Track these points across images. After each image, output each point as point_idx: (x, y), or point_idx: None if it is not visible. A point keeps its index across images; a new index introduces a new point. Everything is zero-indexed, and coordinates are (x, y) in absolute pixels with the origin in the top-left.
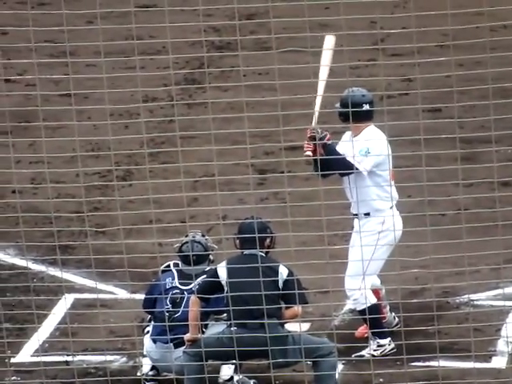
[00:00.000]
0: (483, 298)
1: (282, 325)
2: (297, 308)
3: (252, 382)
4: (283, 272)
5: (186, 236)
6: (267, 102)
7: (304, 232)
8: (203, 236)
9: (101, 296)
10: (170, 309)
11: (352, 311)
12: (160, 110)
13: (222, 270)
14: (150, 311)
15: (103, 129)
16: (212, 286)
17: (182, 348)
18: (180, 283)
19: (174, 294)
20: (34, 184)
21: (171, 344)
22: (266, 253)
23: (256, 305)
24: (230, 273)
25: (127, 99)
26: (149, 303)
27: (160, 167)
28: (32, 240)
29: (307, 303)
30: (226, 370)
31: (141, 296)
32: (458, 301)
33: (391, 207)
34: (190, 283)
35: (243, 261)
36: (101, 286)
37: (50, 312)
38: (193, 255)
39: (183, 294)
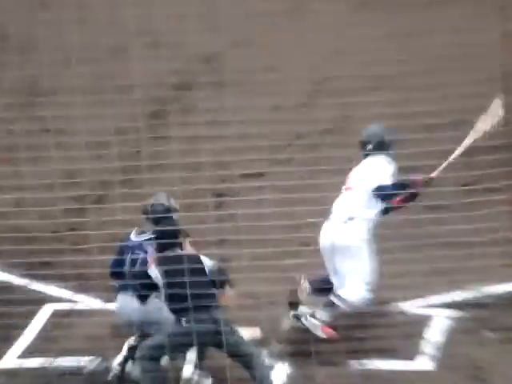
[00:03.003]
0: (411, 306)
1: (220, 312)
2: (229, 292)
3: (210, 378)
4: (205, 261)
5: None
6: (224, 136)
7: (255, 248)
8: (168, 198)
9: (78, 306)
10: (128, 266)
11: (306, 316)
12: (128, 143)
13: (154, 272)
14: (114, 272)
15: (79, 159)
16: (148, 285)
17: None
18: (135, 236)
19: (134, 252)
20: (18, 208)
21: (130, 291)
22: (181, 247)
23: (196, 297)
24: (164, 274)
25: (100, 132)
26: (114, 264)
27: (130, 192)
28: (15, 257)
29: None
30: (187, 368)
31: (113, 305)
32: (389, 309)
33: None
34: (145, 235)
35: (171, 261)
36: (77, 297)
37: (31, 321)
38: (156, 216)
39: (140, 245)
